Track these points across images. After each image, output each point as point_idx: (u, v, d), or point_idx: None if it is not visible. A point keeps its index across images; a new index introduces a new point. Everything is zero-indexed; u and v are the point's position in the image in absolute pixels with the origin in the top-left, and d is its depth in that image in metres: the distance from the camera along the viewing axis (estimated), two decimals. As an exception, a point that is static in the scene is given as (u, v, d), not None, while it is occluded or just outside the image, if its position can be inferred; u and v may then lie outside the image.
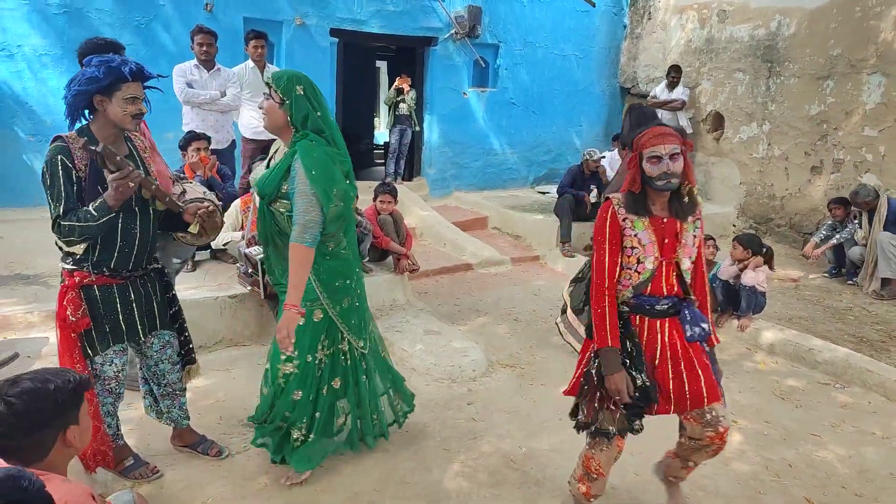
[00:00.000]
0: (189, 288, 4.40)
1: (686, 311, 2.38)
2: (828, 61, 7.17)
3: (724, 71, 8.37)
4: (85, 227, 2.35)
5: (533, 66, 9.08)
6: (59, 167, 2.34)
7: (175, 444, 3.10)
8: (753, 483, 3.06)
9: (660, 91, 8.45)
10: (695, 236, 2.37)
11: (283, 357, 2.73)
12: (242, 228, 4.52)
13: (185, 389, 3.04)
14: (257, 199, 2.75)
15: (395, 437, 3.30)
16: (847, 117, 7.03)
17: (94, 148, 2.34)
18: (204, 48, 5.34)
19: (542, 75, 9.17)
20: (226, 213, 4.50)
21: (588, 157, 7.03)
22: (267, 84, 2.65)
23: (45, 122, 6.25)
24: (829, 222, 6.45)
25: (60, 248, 2.51)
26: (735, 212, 8.34)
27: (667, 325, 2.38)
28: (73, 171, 2.37)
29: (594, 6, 8.82)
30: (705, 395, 2.34)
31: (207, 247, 4.94)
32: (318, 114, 2.66)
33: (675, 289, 2.38)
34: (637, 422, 2.40)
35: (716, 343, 2.50)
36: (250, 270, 4.12)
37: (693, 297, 2.43)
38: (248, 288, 4.32)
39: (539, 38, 9.02)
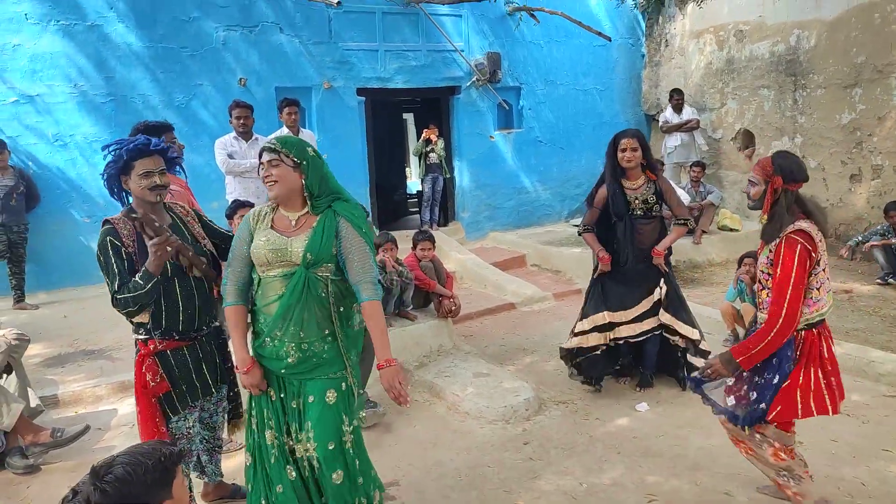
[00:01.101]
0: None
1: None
2: (853, 69, 7.13)
3: (748, 89, 8.38)
4: (135, 296, 2.49)
5: (556, 104, 9.24)
6: (109, 247, 2.52)
7: (209, 500, 3.14)
8: (825, 505, 2.97)
9: (670, 115, 8.55)
10: (767, 255, 2.71)
11: (345, 427, 2.57)
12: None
13: (221, 447, 3.13)
14: (277, 268, 2.48)
15: (454, 483, 3.32)
16: (880, 122, 6.94)
17: (134, 215, 2.51)
18: (241, 121, 5.63)
19: (566, 111, 9.32)
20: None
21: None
22: (272, 150, 2.46)
23: (99, 204, 6.62)
24: (878, 227, 6.31)
25: (131, 322, 2.66)
26: (776, 227, 8.19)
27: None
28: (122, 249, 2.53)
29: (610, 40, 8.99)
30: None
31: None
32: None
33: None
34: None
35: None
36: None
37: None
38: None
39: (559, 76, 9.21)
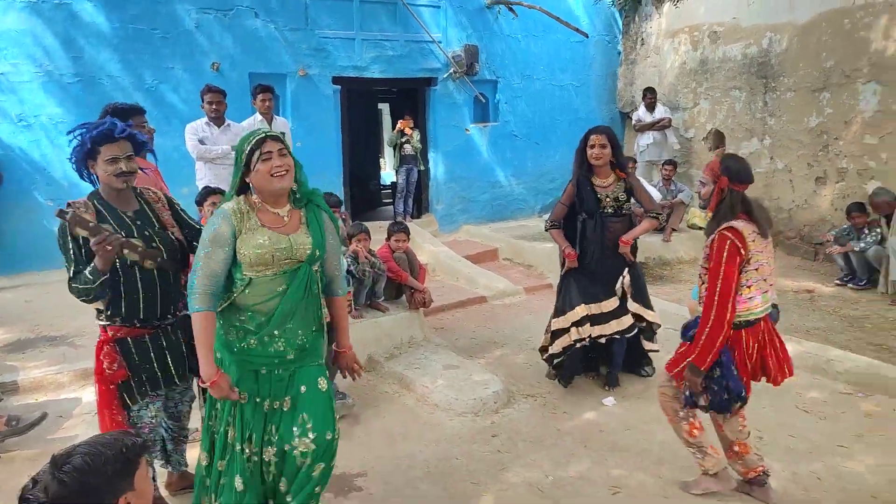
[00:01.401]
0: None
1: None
2: (822, 73, 7.28)
3: (720, 90, 8.51)
4: (86, 288, 2.45)
5: (532, 99, 9.27)
6: (68, 234, 2.45)
7: (173, 490, 3.11)
8: (783, 499, 3.05)
9: (642, 114, 8.64)
10: (704, 251, 2.85)
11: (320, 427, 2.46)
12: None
13: (187, 437, 3.10)
14: (278, 265, 2.35)
15: (423, 475, 3.33)
16: (847, 127, 7.11)
17: (63, 216, 2.39)
18: (213, 106, 5.53)
19: (542, 106, 9.36)
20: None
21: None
22: (277, 139, 2.34)
23: (63, 187, 6.45)
24: (844, 226, 6.48)
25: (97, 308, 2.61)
26: (744, 227, 8.36)
27: None
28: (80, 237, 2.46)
29: (587, 36, 9.04)
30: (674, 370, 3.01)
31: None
32: None
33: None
34: None
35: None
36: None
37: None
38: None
39: (536, 70, 9.23)
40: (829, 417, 3.86)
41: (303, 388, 2.46)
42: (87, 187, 2.69)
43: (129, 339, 2.62)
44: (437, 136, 8.71)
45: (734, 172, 2.76)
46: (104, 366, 2.57)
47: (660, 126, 8.50)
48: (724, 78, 8.44)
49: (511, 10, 8.64)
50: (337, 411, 3.87)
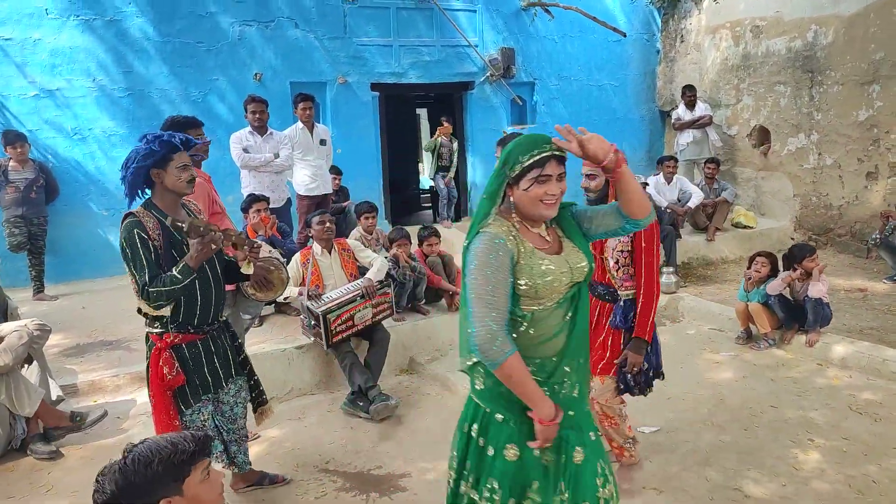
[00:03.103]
0: (258, 342, 4.62)
1: (616, 304, 3.03)
2: (871, 66, 7.06)
3: (764, 85, 8.32)
4: (171, 290, 2.56)
5: (570, 99, 9.22)
6: (137, 240, 2.55)
7: (238, 488, 3.20)
8: (836, 502, 2.98)
9: (682, 112, 8.49)
10: (619, 241, 2.94)
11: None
12: (303, 282, 4.73)
13: (247, 436, 3.19)
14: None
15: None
16: (898, 119, 6.88)
17: (181, 224, 2.57)
18: (257, 115, 5.68)
19: (580, 107, 9.30)
20: (287, 268, 4.72)
21: (633, 182, 7.05)
22: (563, 161, 2.00)
23: (117, 197, 6.70)
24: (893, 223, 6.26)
25: (145, 315, 2.72)
26: (791, 225, 8.16)
27: (606, 308, 3.06)
28: (150, 242, 2.58)
29: (625, 35, 8.95)
30: (598, 369, 3.04)
31: (272, 301, 5.17)
32: None
33: (606, 280, 3.06)
34: None
35: (636, 336, 2.94)
36: (313, 322, 4.30)
37: (623, 294, 3.02)
38: (312, 339, 4.50)
39: (573, 71, 9.19)
40: (884, 419, 3.74)
41: (591, 435, 2.03)
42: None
43: (183, 345, 2.73)
44: (474, 140, 8.74)
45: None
46: (164, 372, 2.67)
47: (700, 124, 8.35)
48: (767, 73, 8.25)
49: (547, 11, 8.63)
50: (380, 413, 3.98)
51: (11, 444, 3.36)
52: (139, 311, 2.75)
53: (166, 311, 2.67)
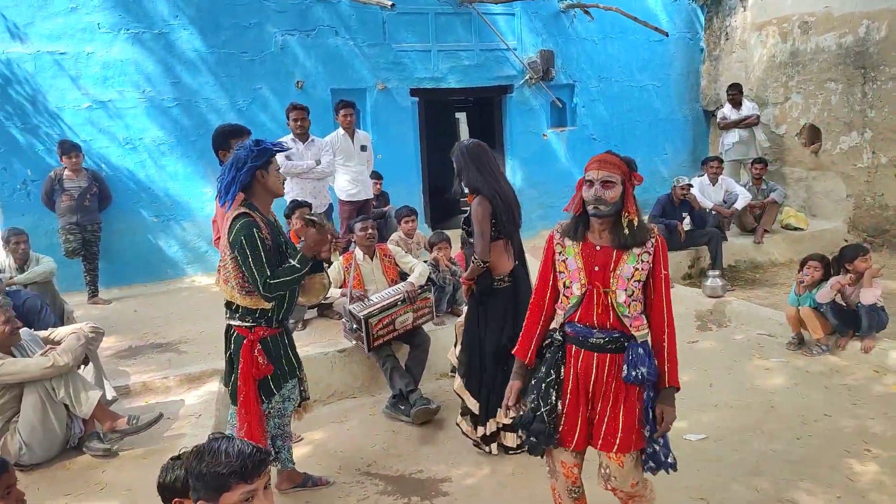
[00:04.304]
0: (301, 345, 4.66)
1: (629, 351, 2.23)
2: (929, 60, 6.77)
3: (813, 82, 8.06)
4: (292, 279, 2.83)
5: (610, 101, 9.10)
6: (257, 239, 2.75)
7: (282, 488, 3.26)
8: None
9: (728, 111, 8.26)
10: (637, 269, 2.23)
11: None
12: (345, 286, 4.79)
13: (291, 435, 3.31)
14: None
15: (506, 481, 3.34)
16: (959, 115, 6.57)
17: (314, 218, 2.90)
18: (298, 122, 5.79)
19: (621, 108, 9.17)
20: (329, 271, 4.79)
21: (675, 184, 6.92)
22: None
23: (166, 204, 6.92)
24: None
25: (236, 310, 2.89)
26: (845, 227, 7.87)
27: (607, 360, 2.26)
28: (265, 240, 2.79)
29: (667, 35, 8.79)
30: (616, 444, 2.26)
31: (315, 305, 5.25)
32: None
33: (611, 322, 2.25)
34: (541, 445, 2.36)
35: (670, 386, 2.28)
36: (354, 326, 4.35)
37: (638, 334, 2.26)
38: (353, 342, 4.55)
39: (614, 72, 9.07)
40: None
41: None
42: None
43: (268, 337, 2.94)
44: (513, 143, 8.70)
45: (630, 162, 2.43)
46: (259, 361, 2.87)
47: (746, 123, 8.12)
48: (817, 70, 7.99)
49: (587, 12, 8.54)
50: (421, 417, 3.99)
51: (69, 443, 3.49)
52: (228, 304, 2.93)
53: (269, 305, 2.86)
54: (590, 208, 2.24)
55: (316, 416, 3.98)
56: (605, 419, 2.28)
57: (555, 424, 2.32)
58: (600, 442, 2.30)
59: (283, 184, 5.90)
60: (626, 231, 2.24)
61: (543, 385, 2.33)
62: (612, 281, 2.24)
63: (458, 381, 3.71)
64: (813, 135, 8.26)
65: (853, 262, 4.55)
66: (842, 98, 7.74)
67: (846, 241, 7.70)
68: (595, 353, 2.28)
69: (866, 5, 7.33)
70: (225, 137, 3.72)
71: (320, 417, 4.19)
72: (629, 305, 2.24)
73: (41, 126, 6.47)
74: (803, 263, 4.90)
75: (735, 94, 8.20)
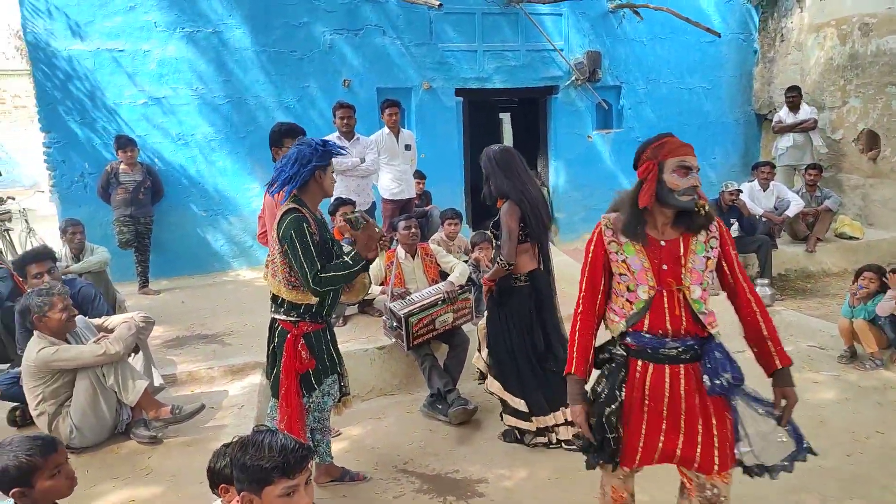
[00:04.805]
0: (342, 341, 4.71)
1: (707, 357, 2.01)
2: None
3: (873, 86, 7.75)
4: (343, 275, 2.84)
5: (658, 103, 8.93)
6: (307, 234, 2.79)
7: (320, 482, 3.29)
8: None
9: (784, 115, 7.98)
10: (709, 257, 2.04)
11: None
12: (385, 283, 4.82)
13: (330, 430, 3.34)
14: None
15: (543, 484, 3.31)
16: None
17: (360, 219, 2.93)
18: (345, 121, 5.86)
19: (669, 111, 8.99)
20: (370, 268, 4.82)
21: (723, 189, 6.74)
22: None
23: (215, 199, 7.11)
24: None
25: (281, 305, 2.94)
26: (903, 237, 7.56)
27: (681, 373, 2.04)
28: (314, 234, 2.82)
29: (719, 36, 8.57)
30: (716, 462, 2.05)
31: (356, 302, 5.30)
32: None
33: (686, 326, 2.02)
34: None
35: (783, 367, 2.07)
36: (395, 324, 4.37)
37: (714, 332, 2.06)
38: (394, 340, 4.58)
39: (662, 74, 8.90)
40: None
41: None
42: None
43: (311, 332, 2.97)
44: (558, 145, 8.63)
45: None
46: (303, 356, 2.91)
47: (803, 127, 7.83)
48: (878, 73, 7.68)
49: (636, 12, 8.40)
50: (458, 417, 4.00)
51: (118, 428, 3.61)
52: (274, 298, 2.97)
53: (314, 300, 2.90)
54: (685, 199, 2.00)
55: (354, 411, 4.01)
56: (698, 438, 2.05)
57: (618, 446, 2.15)
58: (697, 464, 2.07)
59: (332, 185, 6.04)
60: (702, 212, 2.05)
61: (607, 411, 2.13)
62: (684, 276, 2.03)
63: (495, 384, 3.74)
64: (871, 140, 7.94)
65: None
66: (904, 103, 7.42)
67: (905, 251, 7.40)
68: (667, 366, 2.05)
69: (933, 6, 7.02)
70: (280, 136, 3.81)
71: (359, 413, 4.24)
72: (705, 301, 2.06)
73: (98, 121, 6.72)
74: (858, 274, 4.72)
75: (794, 96, 7.91)
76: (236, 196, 7.14)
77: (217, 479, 2.09)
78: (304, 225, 2.78)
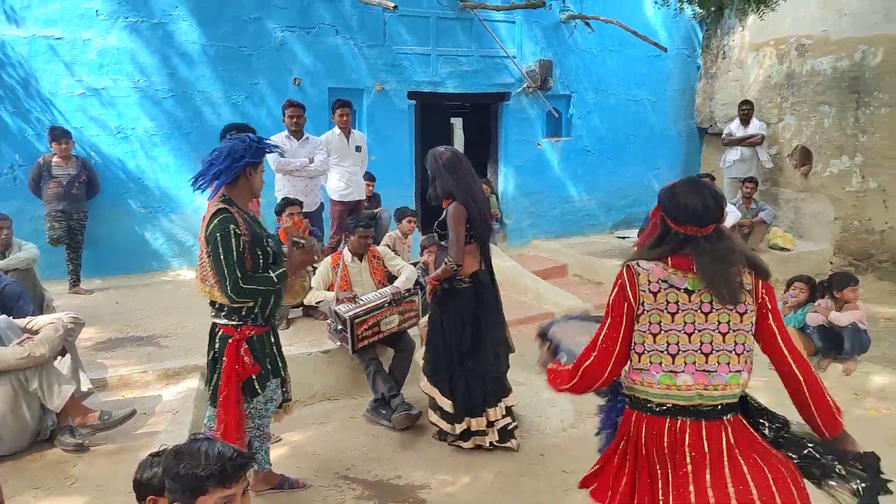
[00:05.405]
0: (285, 345, 4.61)
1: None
2: (922, 88, 6.85)
3: (807, 105, 8.13)
4: (266, 290, 2.77)
5: (606, 113, 9.14)
6: (233, 237, 2.67)
7: (258, 490, 3.20)
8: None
9: (735, 128, 8.29)
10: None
11: None
12: (331, 287, 4.74)
13: (269, 436, 3.24)
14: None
15: (487, 490, 3.32)
16: (949, 144, 6.65)
17: (301, 241, 2.90)
18: (294, 120, 5.75)
19: (616, 121, 9.21)
20: (316, 272, 4.75)
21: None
22: None
23: (155, 196, 6.86)
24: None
25: (219, 308, 2.84)
26: (831, 249, 7.94)
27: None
28: (241, 237, 2.71)
29: (665, 50, 8.84)
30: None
31: (300, 304, 5.20)
32: None
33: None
34: None
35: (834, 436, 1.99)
36: (339, 327, 4.30)
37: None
38: (338, 343, 4.51)
39: (611, 85, 9.11)
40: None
41: None
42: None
43: (255, 336, 2.87)
44: (508, 151, 8.71)
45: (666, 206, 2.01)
46: (245, 361, 2.81)
47: (751, 142, 8.12)
48: (812, 92, 8.06)
49: (587, 24, 8.57)
50: (402, 422, 3.96)
51: (41, 435, 3.43)
52: (212, 303, 2.86)
53: (250, 303, 2.80)
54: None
55: (296, 417, 3.93)
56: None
57: None
58: None
59: (275, 181, 5.90)
60: None
61: None
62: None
63: (424, 381, 3.80)
64: (804, 157, 8.33)
65: (842, 292, 4.58)
66: (834, 121, 7.81)
67: (832, 263, 7.77)
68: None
69: (864, 30, 7.41)
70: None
71: (301, 419, 4.15)
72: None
73: (32, 111, 6.39)
74: (789, 284, 4.93)
75: (747, 109, 8.19)
76: (178, 193, 6.91)
77: (144, 490, 1.99)
78: (232, 227, 2.66)
